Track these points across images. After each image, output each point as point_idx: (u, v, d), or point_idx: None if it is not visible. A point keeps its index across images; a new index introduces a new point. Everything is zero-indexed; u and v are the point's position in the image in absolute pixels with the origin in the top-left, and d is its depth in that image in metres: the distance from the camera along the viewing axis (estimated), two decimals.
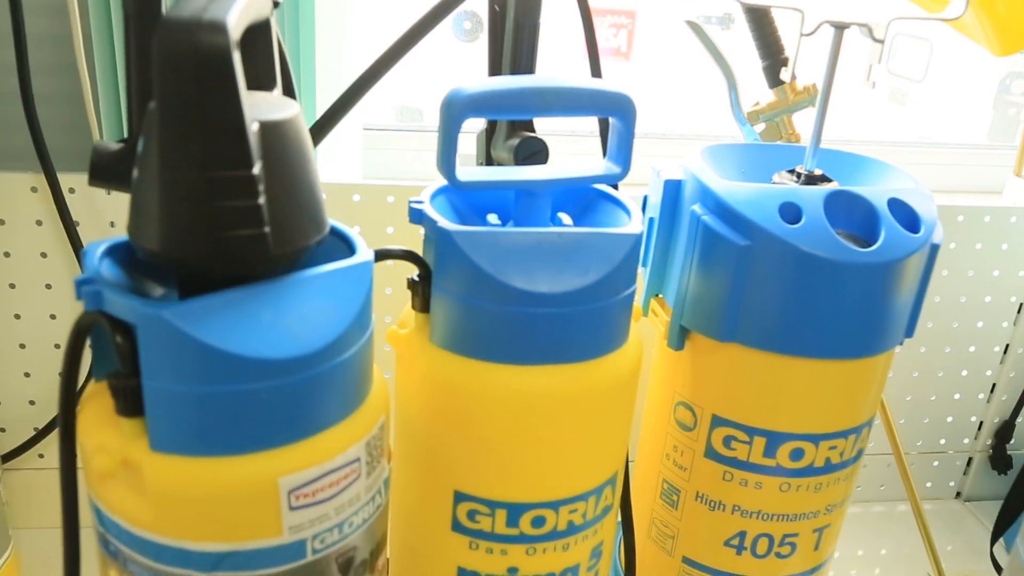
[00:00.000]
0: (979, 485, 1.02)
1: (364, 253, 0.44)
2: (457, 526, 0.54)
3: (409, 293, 0.52)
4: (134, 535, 0.41)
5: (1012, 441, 0.99)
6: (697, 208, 0.58)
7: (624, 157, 0.52)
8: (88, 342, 0.41)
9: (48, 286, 0.75)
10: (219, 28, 0.34)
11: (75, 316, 0.43)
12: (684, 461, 0.65)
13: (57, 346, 0.77)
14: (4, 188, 0.71)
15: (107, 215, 0.73)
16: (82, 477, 0.41)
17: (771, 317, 0.57)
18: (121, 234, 0.41)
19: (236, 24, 0.35)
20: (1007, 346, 0.95)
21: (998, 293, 0.92)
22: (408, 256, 0.50)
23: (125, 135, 0.62)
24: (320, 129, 0.57)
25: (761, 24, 0.71)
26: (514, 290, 0.47)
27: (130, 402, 0.39)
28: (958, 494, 1.04)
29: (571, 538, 0.55)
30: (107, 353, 0.41)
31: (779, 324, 0.57)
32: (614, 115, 0.52)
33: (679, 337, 0.61)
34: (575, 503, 0.54)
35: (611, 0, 1.00)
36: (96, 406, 0.43)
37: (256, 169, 0.37)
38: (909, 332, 0.62)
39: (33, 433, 0.79)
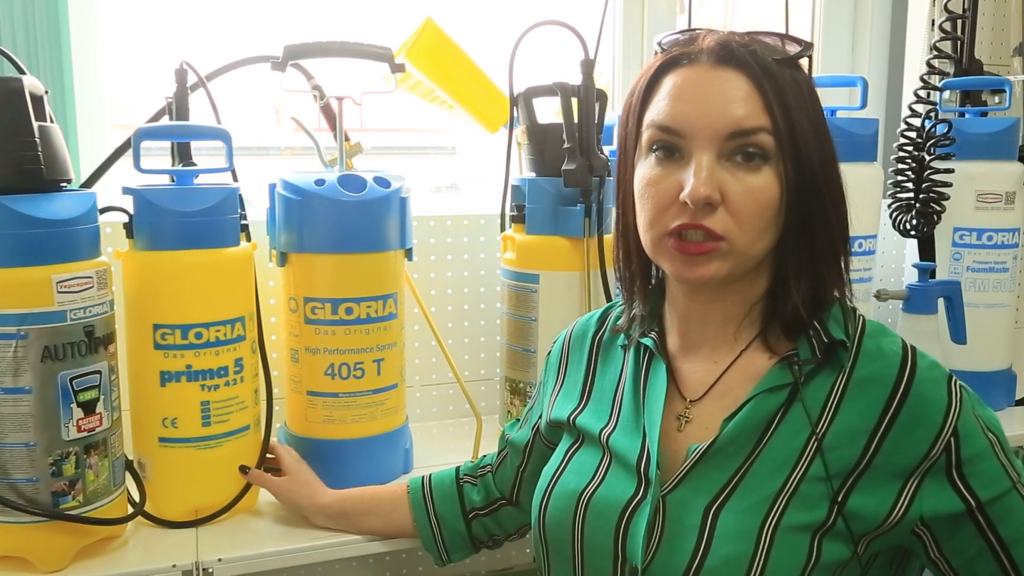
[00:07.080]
0: None
1: (90, 194, 0.98)
2: (157, 345, 1.04)
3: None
4: None
5: None
6: (278, 188, 1.16)
7: (230, 160, 1.10)
8: None
9: None
10: (17, 80, 0.90)
11: None
12: (296, 331, 1.19)
13: None
14: None
15: None
16: None
17: (319, 233, 1.15)
18: None
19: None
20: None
21: (488, 267, 1.54)
22: (119, 208, 1.04)
23: None
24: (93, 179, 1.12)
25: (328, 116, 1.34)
26: (172, 211, 1.02)
27: None
28: None
29: (220, 347, 1.07)
30: None
31: (322, 237, 1.15)
32: (221, 139, 1.10)
33: (281, 258, 1.17)
34: (218, 326, 1.06)
35: None
36: None
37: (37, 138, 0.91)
38: (404, 243, 1.21)
39: None
